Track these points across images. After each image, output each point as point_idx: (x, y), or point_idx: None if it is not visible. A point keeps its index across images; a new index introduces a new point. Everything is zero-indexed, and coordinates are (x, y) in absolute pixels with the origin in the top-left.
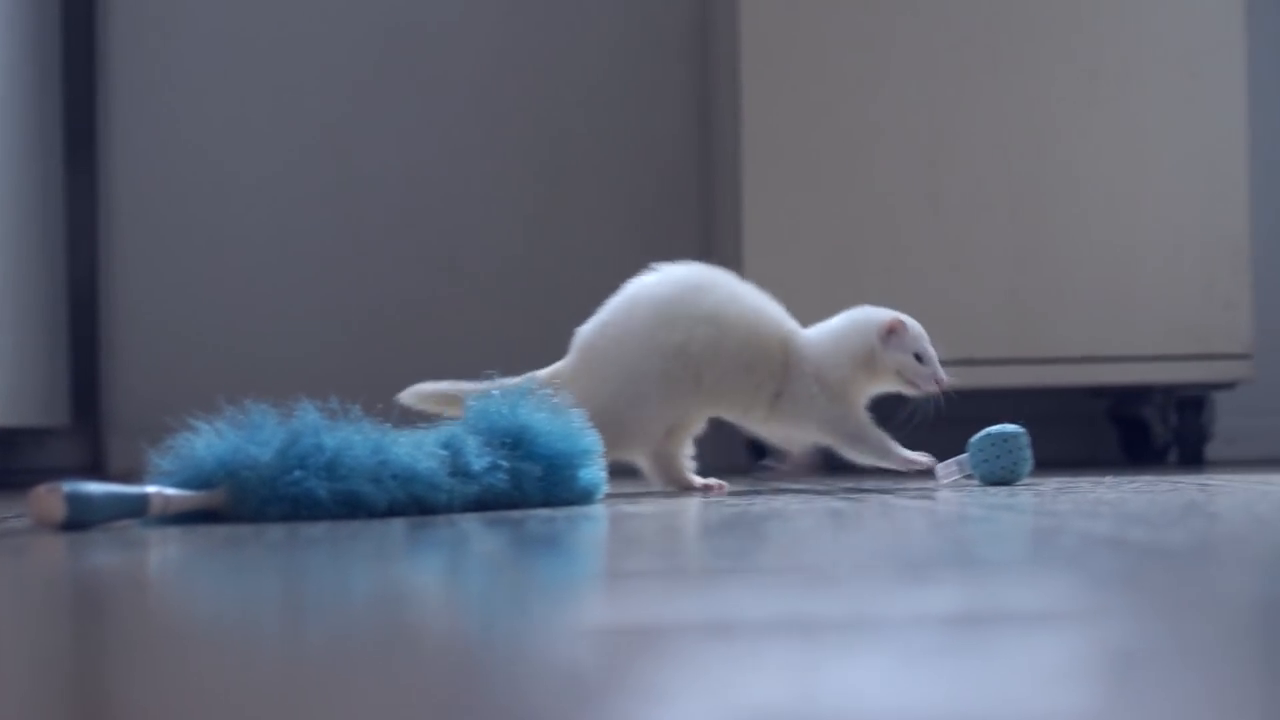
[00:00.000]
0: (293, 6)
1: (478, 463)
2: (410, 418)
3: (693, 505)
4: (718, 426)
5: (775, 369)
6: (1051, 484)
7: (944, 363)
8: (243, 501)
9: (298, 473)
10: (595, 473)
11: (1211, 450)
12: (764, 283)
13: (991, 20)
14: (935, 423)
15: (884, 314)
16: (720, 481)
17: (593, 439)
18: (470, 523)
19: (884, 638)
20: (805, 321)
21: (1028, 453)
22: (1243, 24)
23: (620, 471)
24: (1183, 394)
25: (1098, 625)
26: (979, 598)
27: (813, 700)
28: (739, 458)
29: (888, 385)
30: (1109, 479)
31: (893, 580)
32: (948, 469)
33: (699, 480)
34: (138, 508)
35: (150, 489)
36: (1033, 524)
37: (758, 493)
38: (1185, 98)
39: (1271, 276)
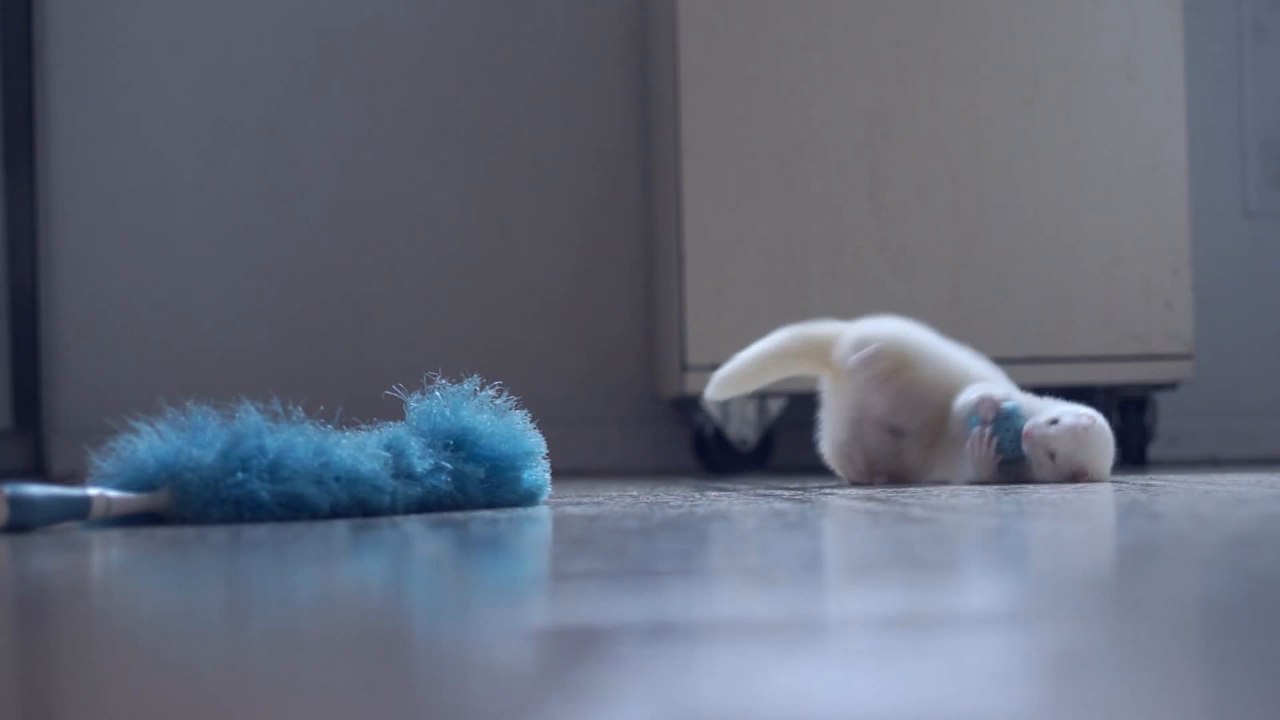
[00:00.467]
0: (231, 7)
1: (421, 465)
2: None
3: (638, 506)
4: (667, 428)
5: None
6: (993, 485)
7: None
8: (185, 504)
9: (240, 475)
10: (539, 474)
11: (1154, 450)
12: (705, 285)
13: (931, 22)
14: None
15: None
16: None
17: (536, 440)
18: (413, 525)
19: (826, 639)
20: (746, 324)
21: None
22: (1180, 26)
23: (562, 473)
24: (1125, 394)
25: (1040, 626)
26: (921, 599)
27: (754, 702)
28: (686, 459)
29: None
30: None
31: (835, 581)
32: None
33: None
34: (80, 510)
35: (92, 491)
36: (975, 525)
37: (702, 494)
38: (1124, 99)
39: (1211, 277)
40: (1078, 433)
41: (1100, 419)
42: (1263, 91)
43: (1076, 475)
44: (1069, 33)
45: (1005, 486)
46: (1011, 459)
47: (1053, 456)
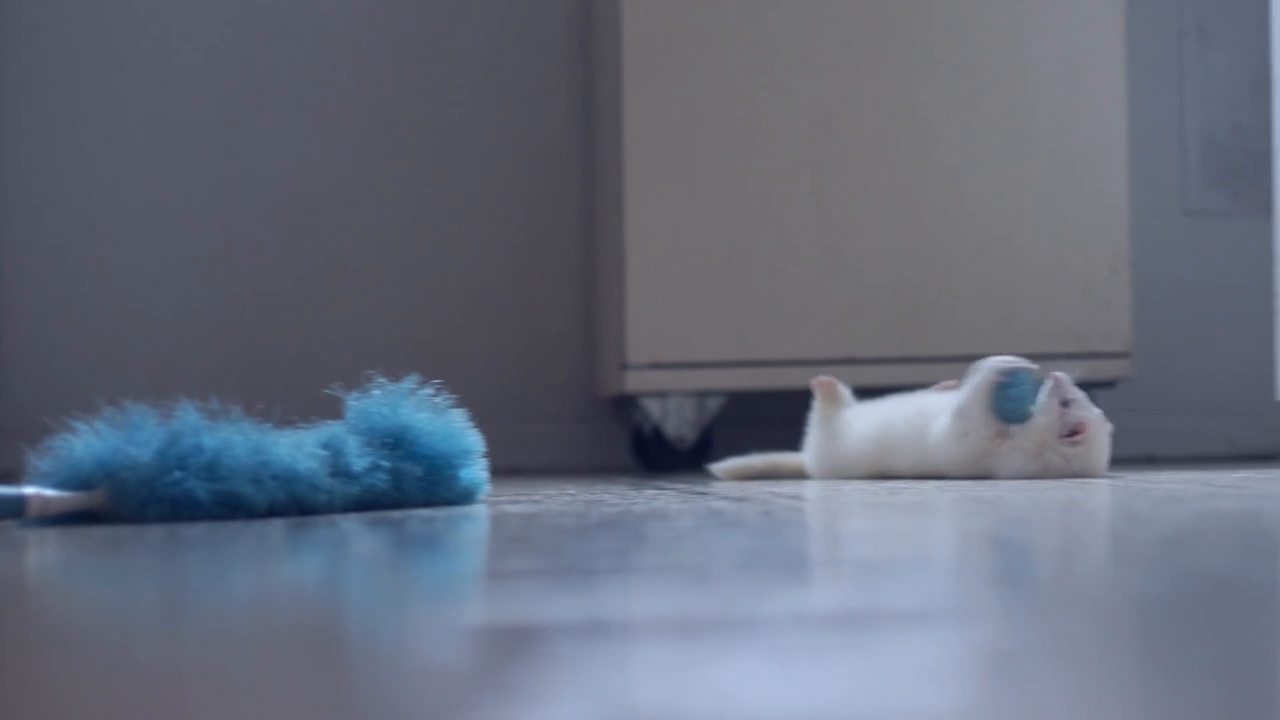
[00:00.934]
0: (176, 6)
1: (358, 463)
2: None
3: (576, 504)
4: (606, 427)
5: None
6: (931, 482)
7: (830, 362)
8: (122, 502)
9: (177, 473)
10: (476, 472)
11: None
12: (646, 284)
13: (873, 21)
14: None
15: None
16: None
17: (474, 438)
18: (351, 523)
19: (761, 637)
20: (687, 323)
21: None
22: (1122, 26)
23: (500, 471)
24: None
25: (975, 624)
26: (856, 597)
27: (688, 700)
28: (624, 458)
29: None
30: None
31: (771, 580)
32: None
33: None
34: (16, 509)
35: (29, 490)
36: (911, 522)
37: (640, 492)
38: (1066, 99)
39: (1149, 276)
40: (1088, 403)
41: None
42: (1203, 91)
43: (1075, 432)
44: (1012, 33)
45: (942, 484)
46: (1012, 418)
47: (1066, 404)
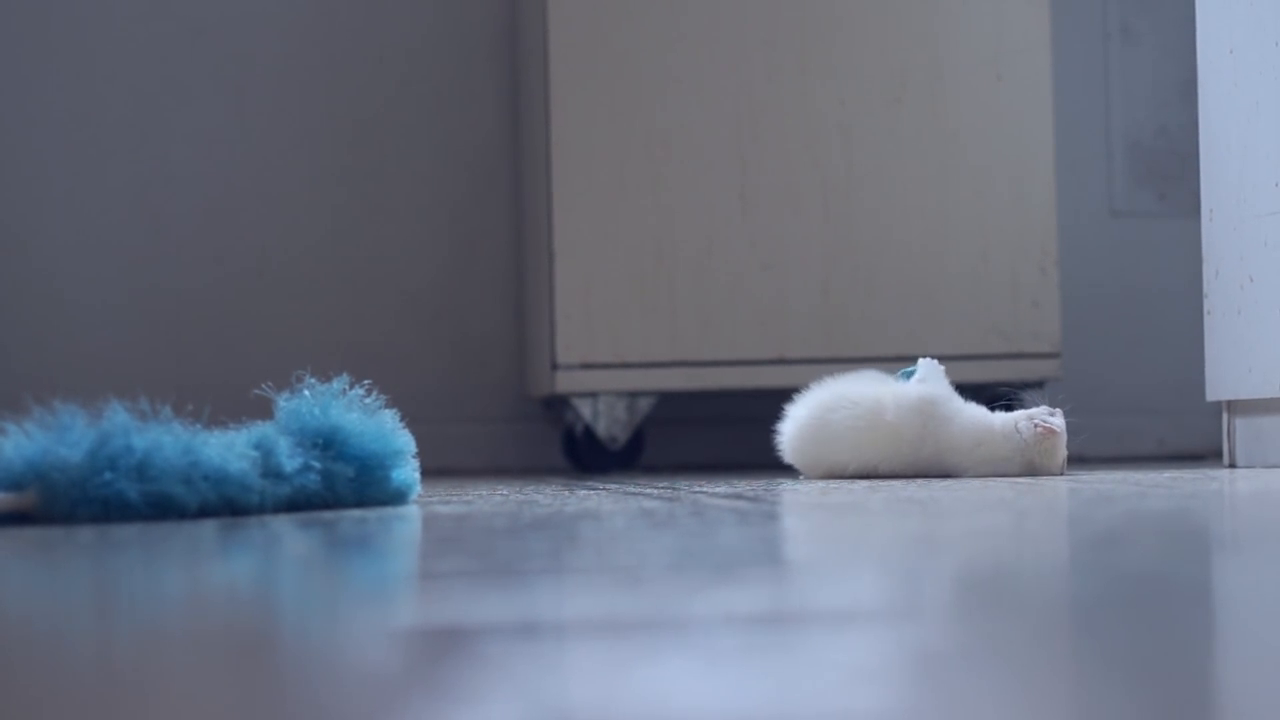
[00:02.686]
0: (98, 3)
1: (290, 464)
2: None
3: (507, 505)
4: (537, 427)
5: None
6: (862, 483)
7: (758, 362)
8: (52, 503)
9: (108, 474)
10: (408, 473)
11: None
12: (575, 283)
13: (800, 21)
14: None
15: None
16: None
17: (406, 439)
18: (282, 524)
19: (691, 638)
20: (616, 322)
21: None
22: (1048, 27)
23: (432, 472)
24: (992, 392)
25: (904, 625)
26: (787, 597)
27: (620, 701)
28: (556, 458)
29: None
30: (920, 478)
31: (702, 580)
32: None
33: None
34: None
35: None
36: (843, 522)
37: (572, 492)
38: (992, 99)
39: (1078, 275)
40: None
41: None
42: (1129, 92)
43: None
44: (937, 33)
45: (874, 484)
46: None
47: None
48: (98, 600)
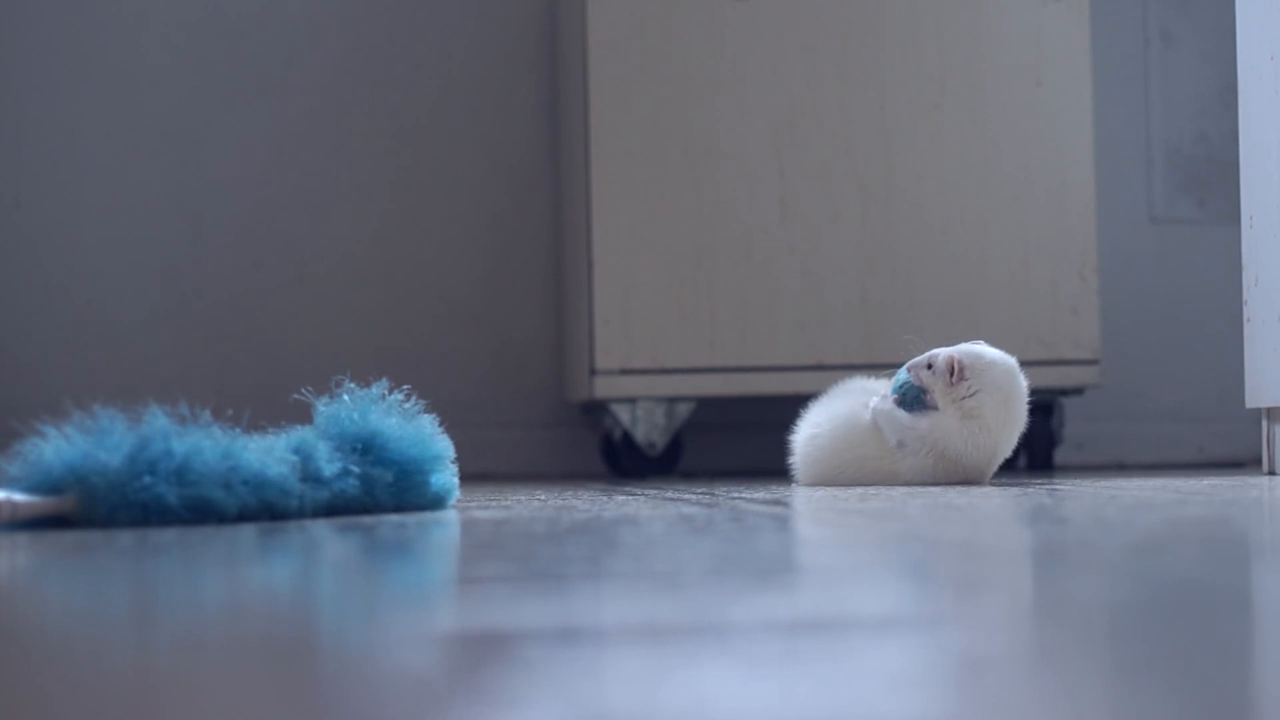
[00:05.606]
0: (140, 8)
1: (329, 468)
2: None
3: (545, 510)
4: (575, 432)
5: None
6: (901, 489)
7: (797, 368)
8: (92, 507)
9: (147, 478)
10: (447, 478)
11: (1060, 455)
12: (614, 290)
13: (839, 28)
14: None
15: None
16: None
17: (444, 444)
18: (321, 528)
19: (731, 643)
20: (655, 329)
21: None
22: (1087, 33)
23: (470, 477)
24: (1031, 399)
25: (947, 630)
26: (828, 603)
27: (659, 706)
28: (595, 464)
29: None
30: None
31: (741, 585)
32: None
33: None
34: None
35: None
36: (883, 529)
37: (610, 498)
38: (1032, 106)
39: (1118, 282)
40: (944, 352)
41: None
42: (1168, 98)
43: (955, 371)
44: (977, 39)
45: (913, 490)
46: (908, 397)
47: (930, 365)
48: (137, 605)
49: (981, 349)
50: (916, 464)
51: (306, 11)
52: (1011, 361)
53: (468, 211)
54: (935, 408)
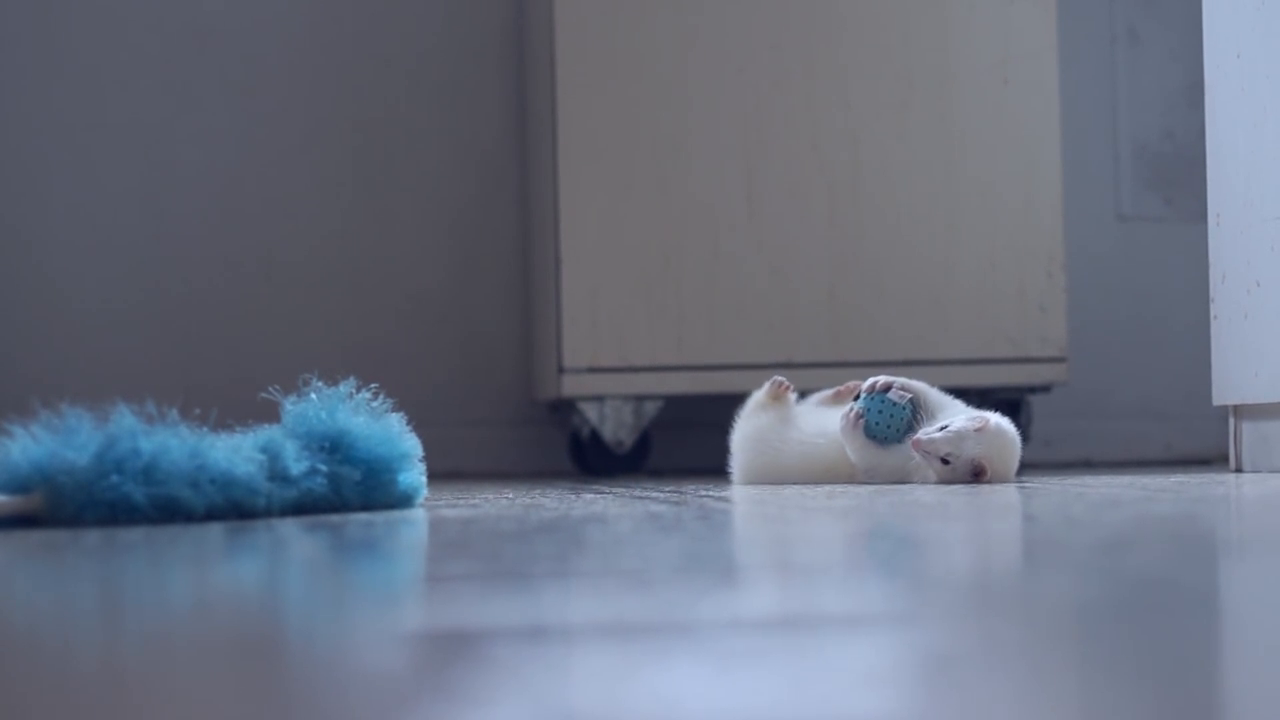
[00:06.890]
0: (105, 7)
1: (296, 467)
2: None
3: (513, 509)
4: (543, 431)
5: None
6: (868, 487)
7: (765, 366)
8: (59, 506)
9: (115, 477)
10: (415, 477)
11: (1028, 452)
12: (581, 288)
13: (807, 26)
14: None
15: None
16: None
17: (412, 442)
18: (289, 527)
19: (699, 641)
20: (622, 327)
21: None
22: (1054, 31)
23: (438, 475)
24: (999, 397)
25: (913, 627)
26: (795, 601)
27: (627, 704)
28: (563, 462)
29: None
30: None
31: (709, 583)
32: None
33: None
34: None
35: None
36: (850, 527)
37: (578, 496)
38: (999, 104)
39: (1085, 280)
40: (965, 435)
41: (997, 419)
42: (1135, 96)
43: (977, 474)
44: (943, 38)
45: (881, 489)
46: (881, 438)
47: (947, 461)
48: (104, 603)
49: (1003, 437)
50: (882, 480)
51: (273, 9)
52: (1018, 441)
53: (435, 210)
54: (902, 441)
